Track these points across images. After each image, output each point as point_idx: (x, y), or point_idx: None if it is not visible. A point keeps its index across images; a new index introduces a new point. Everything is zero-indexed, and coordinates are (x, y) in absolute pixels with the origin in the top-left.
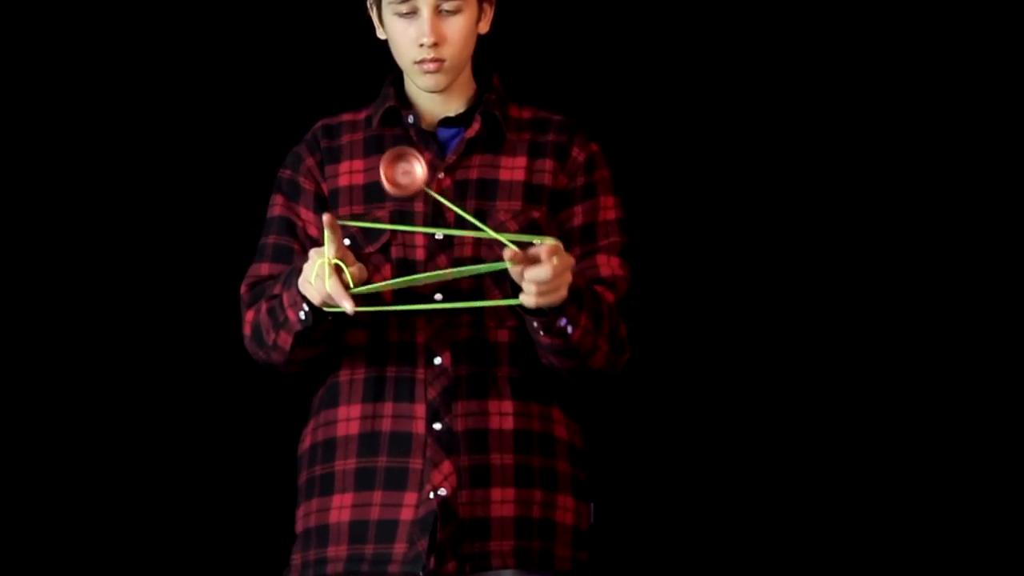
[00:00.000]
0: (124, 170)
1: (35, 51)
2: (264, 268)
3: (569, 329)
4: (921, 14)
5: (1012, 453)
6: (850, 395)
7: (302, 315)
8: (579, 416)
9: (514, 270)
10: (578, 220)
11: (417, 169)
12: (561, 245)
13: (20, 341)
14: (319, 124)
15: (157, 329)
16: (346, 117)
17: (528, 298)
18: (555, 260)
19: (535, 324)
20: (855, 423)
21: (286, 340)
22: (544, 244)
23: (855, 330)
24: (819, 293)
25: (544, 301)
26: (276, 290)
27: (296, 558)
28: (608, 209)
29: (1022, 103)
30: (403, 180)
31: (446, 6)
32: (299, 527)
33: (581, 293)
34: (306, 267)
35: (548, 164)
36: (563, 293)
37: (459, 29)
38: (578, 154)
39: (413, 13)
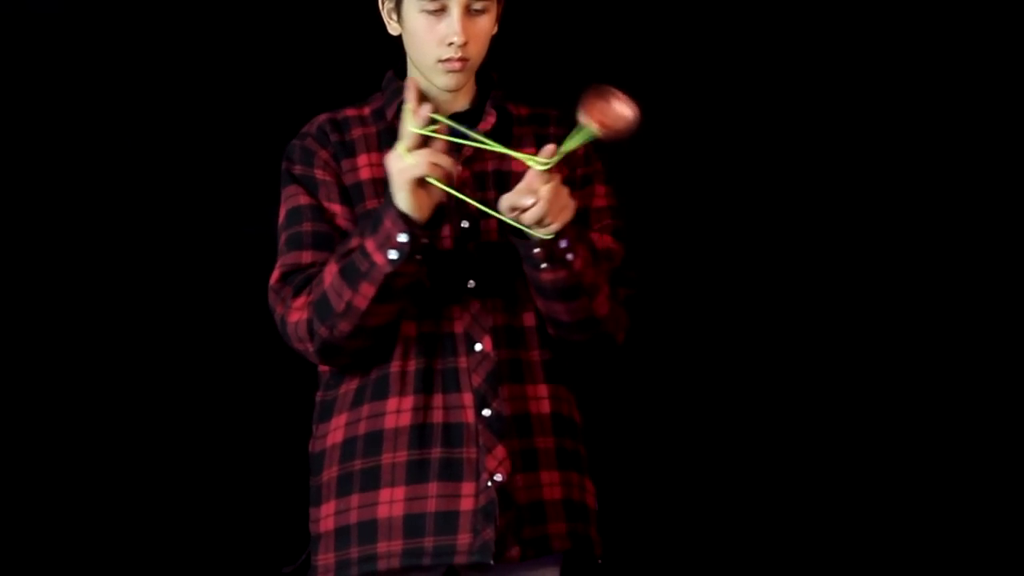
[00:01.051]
0: (124, 170)
1: (35, 51)
2: (305, 256)
3: (570, 256)
4: (921, 14)
5: (1012, 453)
6: (841, 387)
7: (393, 254)
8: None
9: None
10: None
11: (621, 108)
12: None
13: (22, 341)
14: (323, 118)
15: (157, 329)
16: (350, 112)
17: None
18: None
19: (536, 253)
20: (846, 415)
21: (368, 291)
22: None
23: (851, 325)
24: (815, 287)
25: (554, 218)
26: (352, 244)
27: (327, 558)
28: (600, 197)
29: (1022, 103)
30: (611, 122)
31: (476, 5)
32: (327, 525)
33: (580, 230)
34: (393, 165)
35: None
36: (568, 214)
37: (484, 28)
38: (577, 148)
39: (442, 11)
